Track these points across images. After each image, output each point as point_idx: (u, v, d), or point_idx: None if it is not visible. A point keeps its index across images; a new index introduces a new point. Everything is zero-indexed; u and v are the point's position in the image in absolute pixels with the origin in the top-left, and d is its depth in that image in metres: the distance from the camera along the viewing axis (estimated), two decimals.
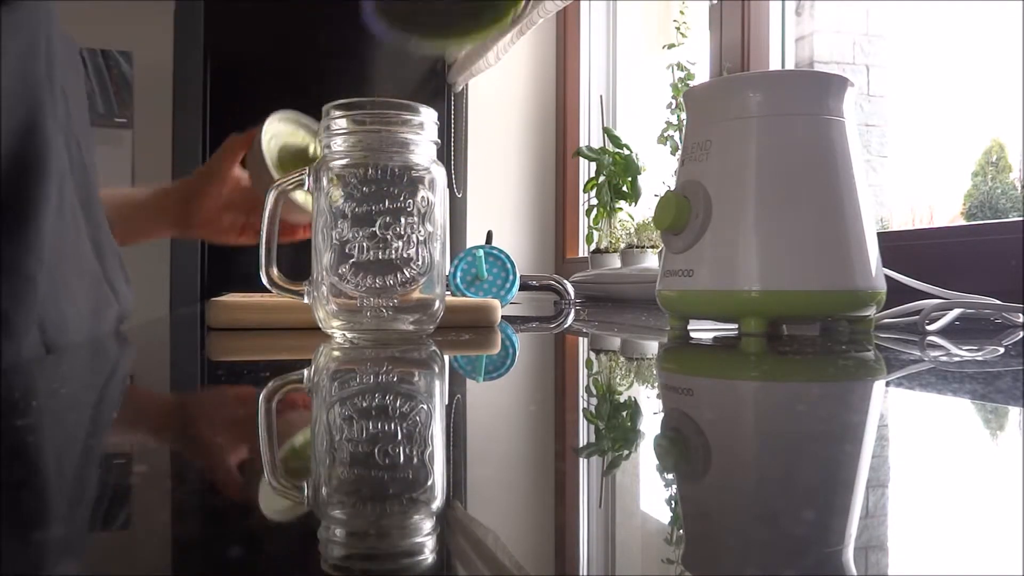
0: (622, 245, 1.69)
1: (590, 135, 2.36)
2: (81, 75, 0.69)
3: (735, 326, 0.61)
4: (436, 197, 0.57)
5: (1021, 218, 0.96)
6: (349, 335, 0.55)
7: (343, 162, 0.55)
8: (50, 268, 0.53)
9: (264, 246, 0.57)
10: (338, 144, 0.55)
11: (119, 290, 0.67)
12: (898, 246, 0.97)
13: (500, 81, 2.39)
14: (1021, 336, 0.61)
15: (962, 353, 0.51)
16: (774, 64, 1.53)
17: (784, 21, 1.55)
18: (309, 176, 0.56)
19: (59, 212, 0.55)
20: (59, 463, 0.23)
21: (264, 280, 0.57)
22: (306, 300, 0.56)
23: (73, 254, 0.58)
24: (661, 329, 0.72)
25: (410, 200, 0.55)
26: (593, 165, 1.82)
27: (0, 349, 0.48)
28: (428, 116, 0.56)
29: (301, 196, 0.80)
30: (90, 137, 0.68)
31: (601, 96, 2.23)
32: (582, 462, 0.24)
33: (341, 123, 0.55)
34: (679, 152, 0.93)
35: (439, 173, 0.57)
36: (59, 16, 0.63)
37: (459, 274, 0.90)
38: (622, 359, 0.55)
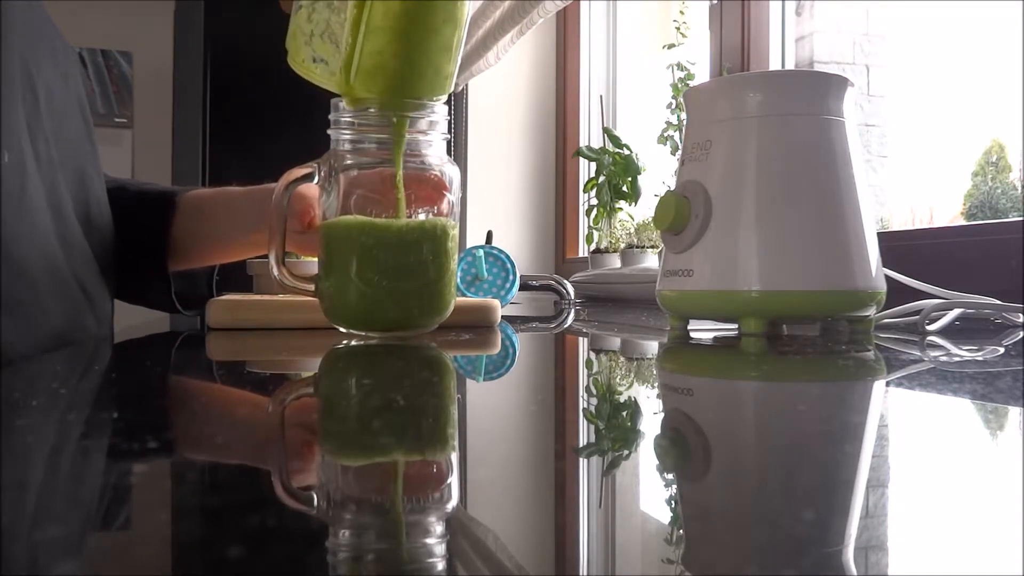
0: (622, 245, 1.69)
1: (590, 135, 2.36)
2: (70, 74, 0.67)
3: (735, 326, 0.61)
4: (452, 196, 0.56)
5: (1021, 218, 0.96)
6: (355, 333, 0.55)
7: (352, 160, 0.55)
8: (9, 253, 0.52)
9: (273, 241, 0.56)
10: (349, 140, 0.55)
11: (93, 296, 0.64)
12: (898, 246, 0.97)
13: (500, 81, 2.38)
14: (1021, 336, 0.61)
15: (962, 353, 0.51)
16: (774, 64, 1.53)
17: (784, 21, 1.55)
18: (319, 171, 0.55)
19: (19, 203, 0.54)
20: (59, 463, 0.23)
21: (275, 276, 0.56)
22: (315, 297, 0.56)
23: (41, 249, 0.57)
24: (661, 329, 0.72)
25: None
26: (593, 165, 1.82)
27: None
28: (440, 111, 0.55)
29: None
30: (73, 138, 0.65)
31: (601, 96, 2.23)
32: (582, 462, 0.24)
33: (352, 119, 0.55)
34: (679, 152, 0.93)
35: (453, 172, 0.57)
36: (46, 13, 0.63)
37: (459, 274, 0.90)
38: (622, 359, 0.54)
